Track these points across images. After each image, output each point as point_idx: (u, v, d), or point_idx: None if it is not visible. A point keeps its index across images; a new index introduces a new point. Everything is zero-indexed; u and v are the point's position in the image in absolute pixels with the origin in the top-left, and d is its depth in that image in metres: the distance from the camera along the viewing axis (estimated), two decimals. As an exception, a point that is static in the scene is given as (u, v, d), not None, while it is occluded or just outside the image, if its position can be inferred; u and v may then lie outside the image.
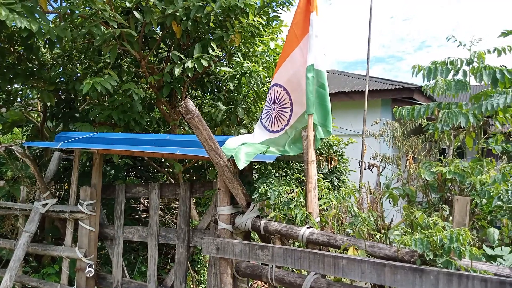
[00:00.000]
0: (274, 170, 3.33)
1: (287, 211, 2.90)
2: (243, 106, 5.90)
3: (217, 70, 5.74)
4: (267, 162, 3.60)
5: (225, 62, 5.89)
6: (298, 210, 2.80)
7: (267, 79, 5.72)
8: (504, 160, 2.87)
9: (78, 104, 6.24)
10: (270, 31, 5.92)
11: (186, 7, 4.63)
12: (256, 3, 5.04)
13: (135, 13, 4.70)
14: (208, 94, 6.70)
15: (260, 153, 3.01)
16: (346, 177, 8.95)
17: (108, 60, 5.85)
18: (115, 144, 3.78)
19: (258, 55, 5.88)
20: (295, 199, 2.87)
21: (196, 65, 4.72)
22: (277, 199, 2.83)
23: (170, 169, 7.25)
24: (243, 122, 6.16)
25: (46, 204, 4.21)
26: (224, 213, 3.09)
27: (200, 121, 2.57)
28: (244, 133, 6.15)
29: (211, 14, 4.84)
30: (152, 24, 4.68)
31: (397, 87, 11.81)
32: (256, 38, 5.53)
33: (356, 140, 9.14)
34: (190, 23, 4.83)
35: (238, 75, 5.28)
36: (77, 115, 5.98)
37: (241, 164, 2.83)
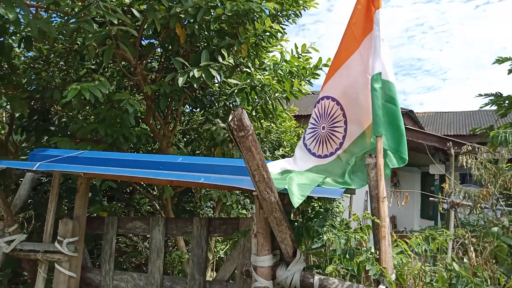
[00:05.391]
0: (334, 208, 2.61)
1: (350, 264, 2.20)
2: (248, 124, 5.22)
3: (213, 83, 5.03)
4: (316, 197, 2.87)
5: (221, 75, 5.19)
6: (371, 265, 2.09)
7: (276, 94, 5.09)
8: None
9: (54, 115, 5.34)
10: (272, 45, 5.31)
11: (197, 6, 3.94)
12: (266, 11, 4.43)
13: (134, 11, 3.96)
14: (199, 110, 5.92)
15: (317, 185, 2.31)
16: (340, 203, 8.37)
17: (93, 67, 5.03)
18: (111, 166, 2.96)
19: (267, 68, 5.26)
20: (364, 248, 2.17)
21: (203, 75, 4.01)
22: (343, 248, 2.12)
23: (155, 192, 6.37)
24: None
25: (12, 241, 3.27)
26: (265, 264, 2.33)
27: (254, 141, 1.85)
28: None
29: (222, 18, 4.19)
30: (154, 24, 3.95)
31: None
32: (266, 48, 4.91)
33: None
34: (197, 27, 4.14)
35: (247, 89, 4.60)
36: (52, 128, 5.07)
37: (296, 200, 2.12)
